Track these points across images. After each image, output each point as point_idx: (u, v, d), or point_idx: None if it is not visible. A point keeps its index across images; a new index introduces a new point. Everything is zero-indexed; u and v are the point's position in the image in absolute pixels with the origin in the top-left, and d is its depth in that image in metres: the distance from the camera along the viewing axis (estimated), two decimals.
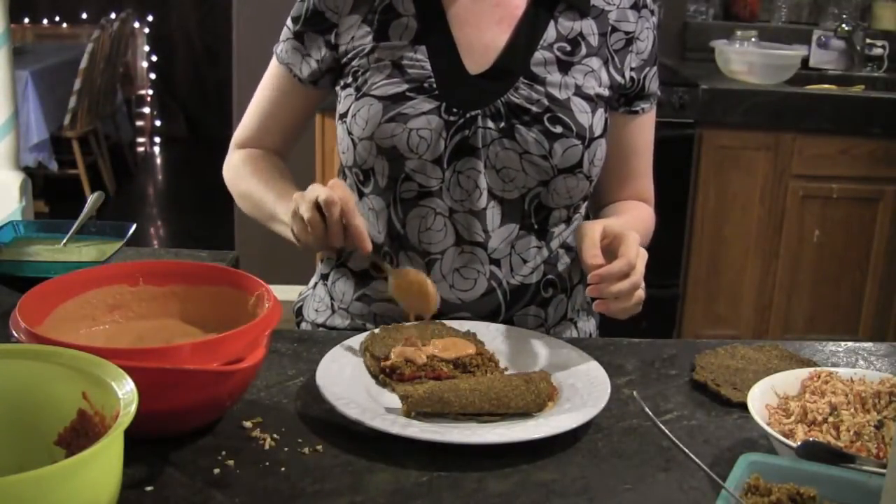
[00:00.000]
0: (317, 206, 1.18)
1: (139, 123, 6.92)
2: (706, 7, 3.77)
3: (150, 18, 6.95)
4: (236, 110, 3.81)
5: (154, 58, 7.00)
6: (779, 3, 3.77)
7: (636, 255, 1.15)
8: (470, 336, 1.23)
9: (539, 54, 1.32)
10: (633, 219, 1.37)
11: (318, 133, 3.12)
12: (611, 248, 1.18)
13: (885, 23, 3.68)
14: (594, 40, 1.35)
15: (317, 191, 1.19)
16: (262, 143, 1.48)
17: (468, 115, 1.29)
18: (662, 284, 3.16)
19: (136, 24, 6.61)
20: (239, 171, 1.46)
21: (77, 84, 5.08)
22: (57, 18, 6.72)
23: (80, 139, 5.23)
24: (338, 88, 1.39)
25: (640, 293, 1.17)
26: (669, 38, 3.67)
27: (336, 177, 1.41)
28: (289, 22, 1.41)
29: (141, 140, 6.93)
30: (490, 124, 1.30)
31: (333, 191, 1.18)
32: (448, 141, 1.30)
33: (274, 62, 1.44)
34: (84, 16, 6.77)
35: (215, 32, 6.85)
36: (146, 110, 6.98)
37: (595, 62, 1.35)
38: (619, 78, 1.37)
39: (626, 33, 1.37)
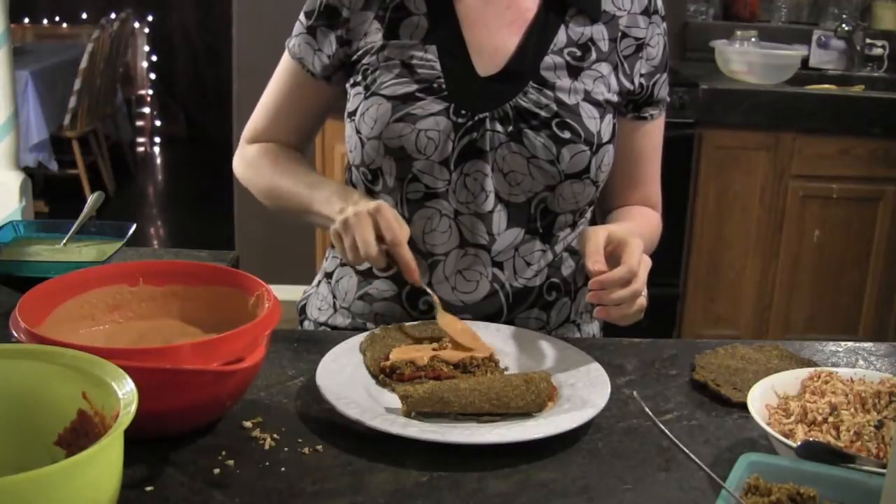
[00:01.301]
0: (375, 227, 1.19)
1: (139, 123, 6.92)
2: (706, 7, 3.77)
3: (150, 18, 6.95)
4: (236, 110, 3.80)
5: (154, 58, 7.00)
6: (779, 3, 3.77)
7: (638, 263, 1.15)
8: None
9: (549, 58, 1.32)
10: (639, 225, 1.37)
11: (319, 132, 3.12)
12: (614, 255, 1.17)
13: (885, 23, 3.68)
14: (604, 46, 1.35)
15: (373, 213, 1.19)
16: (274, 138, 1.46)
17: (476, 118, 1.29)
18: (662, 284, 3.16)
19: (136, 24, 6.61)
20: (258, 166, 1.43)
21: (77, 84, 5.08)
22: (57, 18, 6.72)
23: (80, 139, 5.23)
24: (347, 86, 1.38)
25: (642, 301, 1.17)
26: (669, 37, 3.66)
27: (342, 171, 1.40)
28: (301, 16, 1.40)
29: (141, 140, 6.93)
30: (498, 127, 1.29)
31: (383, 213, 1.19)
32: (456, 143, 1.29)
33: (286, 56, 1.42)
34: (84, 16, 6.77)
35: (215, 32, 6.85)
36: (146, 110, 6.97)
37: (605, 68, 1.34)
38: (628, 84, 1.36)
39: (637, 39, 1.37)
